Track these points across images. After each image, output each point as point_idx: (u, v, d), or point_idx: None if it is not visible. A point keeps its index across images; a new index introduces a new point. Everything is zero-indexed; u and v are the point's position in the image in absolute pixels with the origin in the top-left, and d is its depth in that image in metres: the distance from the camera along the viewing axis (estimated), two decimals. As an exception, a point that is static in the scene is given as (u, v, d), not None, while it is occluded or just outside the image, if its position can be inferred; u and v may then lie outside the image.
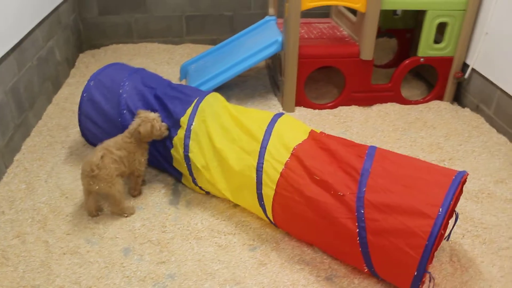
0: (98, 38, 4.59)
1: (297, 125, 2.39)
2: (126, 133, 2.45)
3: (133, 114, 2.57)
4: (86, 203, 2.40)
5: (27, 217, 2.39)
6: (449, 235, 2.29)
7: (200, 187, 2.51)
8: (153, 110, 2.56)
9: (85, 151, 2.94)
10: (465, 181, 2.07)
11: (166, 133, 2.49)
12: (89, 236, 2.30)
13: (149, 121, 2.41)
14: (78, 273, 2.09)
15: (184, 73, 3.94)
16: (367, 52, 3.35)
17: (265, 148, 2.23)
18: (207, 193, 2.56)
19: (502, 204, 2.59)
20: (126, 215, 2.42)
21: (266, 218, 2.33)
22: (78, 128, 3.12)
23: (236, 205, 2.51)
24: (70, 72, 4.05)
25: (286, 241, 2.29)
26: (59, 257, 2.17)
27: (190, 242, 2.27)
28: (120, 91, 2.65)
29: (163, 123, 2.48)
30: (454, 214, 2.22)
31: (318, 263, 2.17)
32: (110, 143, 2.40)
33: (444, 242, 2.30)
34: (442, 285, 2.09)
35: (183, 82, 3.80)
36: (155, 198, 2.56)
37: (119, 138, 2.43)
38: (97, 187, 2.31)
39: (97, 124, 2.70)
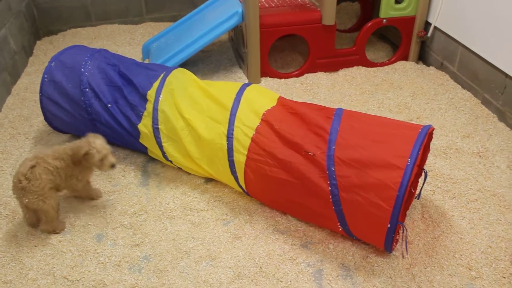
0: (55, 23, 4.44)
1: (266, 93, 2.40)
2: (69, 145, 2.23)
3: (95, 92, 2.55)
4: (23, 217, 2.22)
5: (-6, 212, 2.34)
6: (419, 193, 2.32)
7: (171, 161, 2.49)
8: (117, 87, 2.55)
9: (51, 140, 2.87)
10: (431, 135, 2.10)
11: (107, 169, 2.20)
12: (60, 225, 2.26)
13: (87, 147, 2.15)
14: (51, 264, 2.06)
15: (146, 52, 3.87)
16: (329, 17, 3.31)
17: (235, 115, 2.23)
18: (179, 168, 2.53)
19: (469, 158, 2.63)
20: (57, 232, 2.21)
21: (238, 189, 2.32)
22: (41, 118, 3.05)
23: (207, 181, 2.50)
24: (28, 61, 3.92)
25: (259, 212, 2.29)
26: (30, 250, 2.13)
27: (163, 222, 2.25)
28: (82, 69, 2.61)
29: (112, 160, 2.19)
30: (423, 172, 2.25)
31: (292, 231, 2.18)
32: (47, 151, 2.17)
33: (415, 200, 2.33)
34: (415, 242, 2.13)
35: (146, 62, 3.73)
36: (125, 181, 2.52)
37: (60, 148, 2.20)
38: (26, 200, 2.08)
39: (60, 106, 2.63)
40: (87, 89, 2.56)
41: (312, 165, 1.99)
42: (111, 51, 2.88)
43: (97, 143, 2.17)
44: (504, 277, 1.96)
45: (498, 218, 2.24)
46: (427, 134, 1.94)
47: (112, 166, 2.20)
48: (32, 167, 2.07)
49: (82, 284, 1.96)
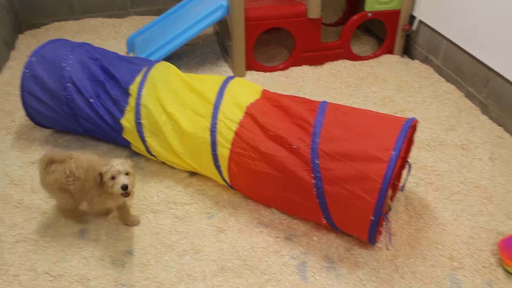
0: (38, 16, 4.38)
1: (249, 86, 2.39)
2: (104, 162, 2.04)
3: (77, 87, 2.51)
4: None
5: (-25, 207, 2.30)
6: (403, 185, 2.33)
7: (155, 156, 2.47)
8: (99, 81, 2.52)
9: (33, 135, 2.83)
10: (415, 128, 2.11)
11: (118, 190, 1.92)
12: (43, 220, 2.23)
13: (96, 169, 1.97)
14: (33, 259, 2.03)
15: (131, 46, 3.83)
16: (314, 10, 3.31)
17: (218, 108, 2.21)
18: (163, 162, 2.52)
19: (453, 150, 2.65)
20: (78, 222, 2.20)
21: (223, 182, 2.32)
22: (23, 112, 3.00)
23: (191, 175, 2.48)
24: (10, 55, 3.86)
25: (244, 206, 2.28)
26: (12, 246, 2.10)
27: (147, 216, 2.24)
28: (63, 64, 2.57)
29: (124, 180, 1.91)
30: (407, 164, 2.26)
31: (276, 224, 2.18)
32: (81, 156, 2.06)
33: (399, 192, 2.34)
34: (399, 233, 2.14)
35: (131, 55, 3.69)
36: (109, 176, 2.50)
37: (99, 160, 2.06)
38: None
39: (41, 101, 2.60)
40: (69, 84, 2.53)
41: (296, 158, 1.98)
42: (94, 45, 2.85)
43: (115, 161, 1.96)
44: (485, 267, 1.98)
45: (480, 209, 2.26)
46: (411, 126, 1.95)
47: (123, 187, 1.91)
48: (53, 161, 2.04)
49: (65, 279, 1.94)
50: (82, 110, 2.53)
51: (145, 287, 1.91)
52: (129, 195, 1.97)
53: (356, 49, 3.75)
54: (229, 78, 2.37)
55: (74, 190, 2.06)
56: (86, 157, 2.09)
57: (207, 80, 2.42)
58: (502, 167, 2.52)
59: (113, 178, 1.93)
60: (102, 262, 2.02)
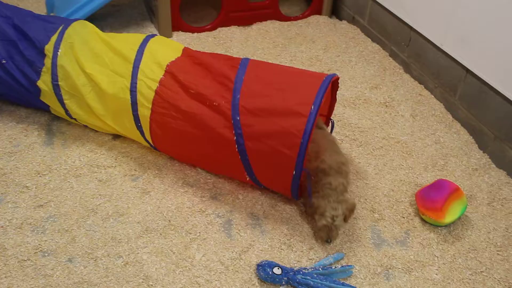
0: None
1: (170, 44, 2.32)
2: None
3: None
4: None
5: None
6: (327, 142, 2.37)
7: (76, 119, 2.37)
8: (11, 41, 2.35)
9: None
10: (337, 84, 2.14)
11: None
12: (-46, 189, 2.11)
13: None
14: None
15: (50, 6, 3.61)
16: (241, -31, 3.24)
17: (138, 67, 2.15)
18: (85, 126, 2.43)
19: (377, 108, 2.72)
20: None
21: (146, 144, 2.27)
22: None
23: (115, 138, 2.41)
24: None
25: (169, 166, 2.25)
26: None
27: (68, 181, 2.16)
28: None
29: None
30: (330, 122, 2.30)
31: (202, 184, 2.17)
32: None
33: (324, 149, 2.38)
34: (323, 189, 2.19)
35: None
36: (27, 141, 2.37)
37: None
38: None
39: None
40: (-23, 43, 2.36)
41: (217, 116, 1.96)
42: (4, 2, 2.65)
43: None
44: (404, 217, 2.08)
45: (401, 163, 2.36)
46: (331, 82, 1.97)
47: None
48: None
49: (-21, 250, 1.86)
50: (-6, 73, 2.37)
51: (68, 253, 1.86)
52: None
53: (285, 9, 3.73)
54: (149, 37, 2.29)
55: None
56: None
57: (127, 39, 2.33)
58: (421, 123, 2.63)
59: None
60: (21, 230, 1.94)
